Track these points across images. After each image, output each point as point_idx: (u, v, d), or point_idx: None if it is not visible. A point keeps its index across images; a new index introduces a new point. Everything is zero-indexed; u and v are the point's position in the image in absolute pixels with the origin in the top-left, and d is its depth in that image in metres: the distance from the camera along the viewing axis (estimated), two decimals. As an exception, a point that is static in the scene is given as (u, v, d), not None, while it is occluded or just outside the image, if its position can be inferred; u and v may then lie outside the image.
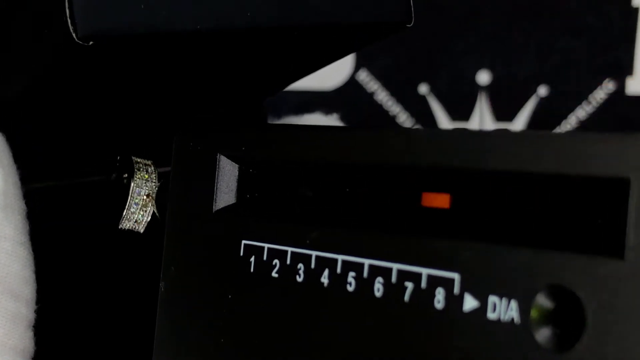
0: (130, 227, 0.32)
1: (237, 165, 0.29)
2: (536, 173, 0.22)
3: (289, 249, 0.26)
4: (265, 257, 0.27)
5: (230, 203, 0.29)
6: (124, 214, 0.32)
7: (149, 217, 0.32)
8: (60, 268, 0.35)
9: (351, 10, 0.29)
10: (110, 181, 0.33)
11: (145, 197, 0.32)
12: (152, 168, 0.33)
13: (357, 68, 0.68)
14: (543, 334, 0.21)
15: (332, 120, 0.49)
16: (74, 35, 0.25)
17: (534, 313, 0.21)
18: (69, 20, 0.25)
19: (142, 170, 0.32)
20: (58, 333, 0.34)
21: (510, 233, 0.22)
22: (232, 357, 0.28)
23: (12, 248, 0.29)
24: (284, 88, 0.39)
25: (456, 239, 0.23)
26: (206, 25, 0.27)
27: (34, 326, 0.30)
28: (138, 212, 0.32)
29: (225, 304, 0.28)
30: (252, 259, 0.27)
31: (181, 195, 0.30)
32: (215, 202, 0.29)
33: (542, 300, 0.21)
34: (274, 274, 0.26)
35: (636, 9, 0.69)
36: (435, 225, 0.24)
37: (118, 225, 0.33)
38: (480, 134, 0.23)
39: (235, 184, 0.29)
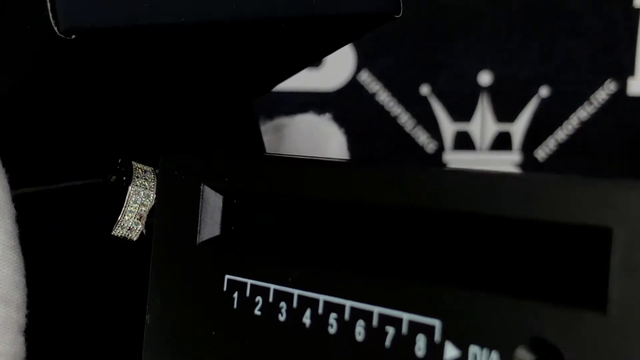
0: (124, 235, 0.31)
1: (221, 197, 0.28)
2: (519, 218, 0.21)
3: (272, 286, 0.26)
4: (248, 294, 0.26)
5: (215, 235, 0.28)
6: (118, 220, 0.31)
7: (143, 226, 0.32)
8: (52, 272, 0.35)
9: (338, 0, 0.29)
10: (108, 184, 0.32)
11: (140, 205, 0.31)
12: (153, 176, 0.32)
13: (358, 69, 0.68)
14: (523, 388, 0.21)
15: (324, 120, 0.48)
16: (55, 29, 0.25)
17: (514, 366, 0.21)
18: (50, 15, 0.25)
19: (142, 178, 0.32)
20: (50, 338, 0.34)
21: (494, 281, 0.22)
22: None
23: (2, 252, 0.29)
24: (275, 86, 0.38)
25: (439, 284, 0.22)
26: (190, 18, 0.27)
27: (25, 331, 0.30)
28: (132, 220, 0.31)
29: (210, 341, 0.27)
30: (236, 294, 0.27)
31: (166, 224, 0.29)
32: (199, 234, 0.28)
33: (523, 354, 0.21)
34: (257, 312, 0.26)
35: (637, 10, 0.69)
36: (418, 269, 0.23)
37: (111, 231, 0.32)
38: (464, 174, 0.23)
39: (220, 215, 0.28)
